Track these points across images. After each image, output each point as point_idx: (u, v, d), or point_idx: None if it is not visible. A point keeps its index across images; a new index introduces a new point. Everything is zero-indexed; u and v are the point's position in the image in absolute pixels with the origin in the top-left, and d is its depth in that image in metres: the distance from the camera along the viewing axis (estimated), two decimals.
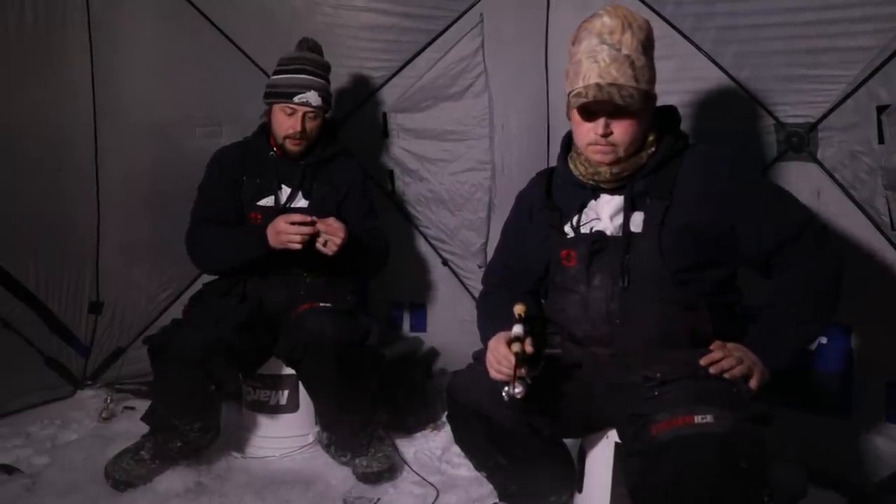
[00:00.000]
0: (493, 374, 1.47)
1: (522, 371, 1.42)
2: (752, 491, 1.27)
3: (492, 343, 1.51)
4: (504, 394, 1.41)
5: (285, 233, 2.05)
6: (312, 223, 2.05)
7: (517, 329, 1.44)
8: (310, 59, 2.29)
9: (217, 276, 2.30)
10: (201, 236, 2.25)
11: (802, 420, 1.96)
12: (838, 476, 1.90)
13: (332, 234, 2.05)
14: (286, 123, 2.22)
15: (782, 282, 1.53)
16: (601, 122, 1.51)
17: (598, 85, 1.47)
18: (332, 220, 2.08)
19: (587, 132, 1.55)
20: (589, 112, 1.53)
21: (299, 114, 2.21)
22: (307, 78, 2.23)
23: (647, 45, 1.53)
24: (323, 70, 2.30)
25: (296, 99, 2.20)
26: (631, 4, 2.05)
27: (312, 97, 2.21)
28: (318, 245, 2.07)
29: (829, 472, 1.89)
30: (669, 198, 1.54)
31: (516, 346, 1.39)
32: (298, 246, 2.04)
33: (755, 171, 1.83)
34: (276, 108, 2.24)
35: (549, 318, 1.68)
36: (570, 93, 1.54)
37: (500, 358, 1.46)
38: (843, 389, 1.97)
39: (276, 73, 2.28)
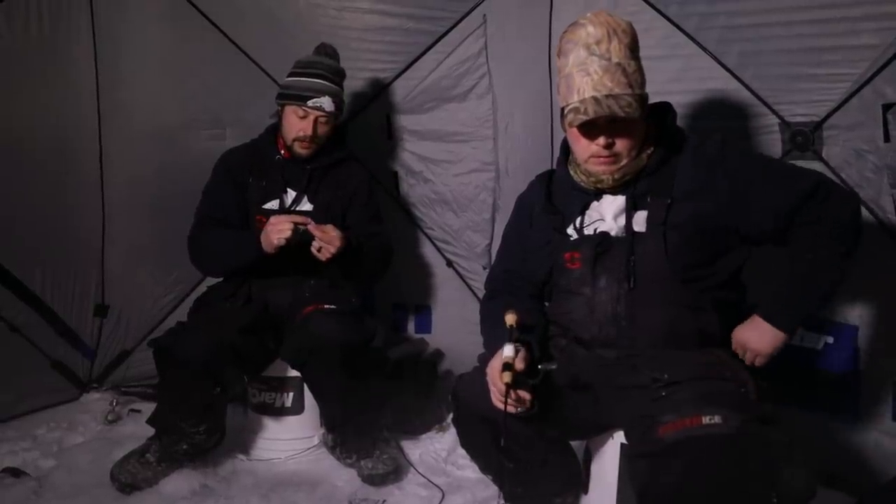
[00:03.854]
0: (496, 402, 1.46)
1: (515, 395, 1.41)
2: (760, 492, 1.27)
3: (489, 370, 1.49)
4: (504, 421, 1.41)
5: (274, 227, 2.02)
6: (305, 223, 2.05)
7: (507, 351, 1.43)
8: (326, 64, 2.28)
9: (221, 279, 2.30)
10: (202, 237, 2.24)
11: (810, 420, 1.96)
12: (847, 476, 1.89)
13: (327, 242, 2.04)
14: (297, 126, 2.22)
15: (800, 237, 1.50)
16: (602, 135, 1.49)
17: (595, 99, 1.44)
18: (329, 228, 2.07)
19: (587, 146, 1.53)
20: (589, 126, 1.50)
21: (311, 117, 2.21)
22: (322, 83, 2.23)
23: (634, 48, 1.51)
24: (338, 77, 2.30)
25: (309, 103, 2.20)
26: (635, 5, 2.06)
27: (326, 102, 2.21)
28: (313, 250, 2.06)
29: (838, 472, 1.88)
30: (671, 195, 1.53)
31: (506, 377, 1.38)
32: (284, 240, 2.00)
33: (748, 149, 1.79)
34: (289, 109, 2.24)
35: (553, 321, 1.67)
36: (564, 108, 1.51)
37: (498, 388, 1.44)
38: (851, 389, 1.96)
39: (291, 74, 2.28)
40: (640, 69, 1.50)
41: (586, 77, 1.45)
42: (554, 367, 1.50)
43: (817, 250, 1.47)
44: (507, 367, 1.39)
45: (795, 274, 1.49)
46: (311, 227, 2.05)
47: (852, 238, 1.48)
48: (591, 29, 1.46)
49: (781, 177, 1.51)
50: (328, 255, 2.05)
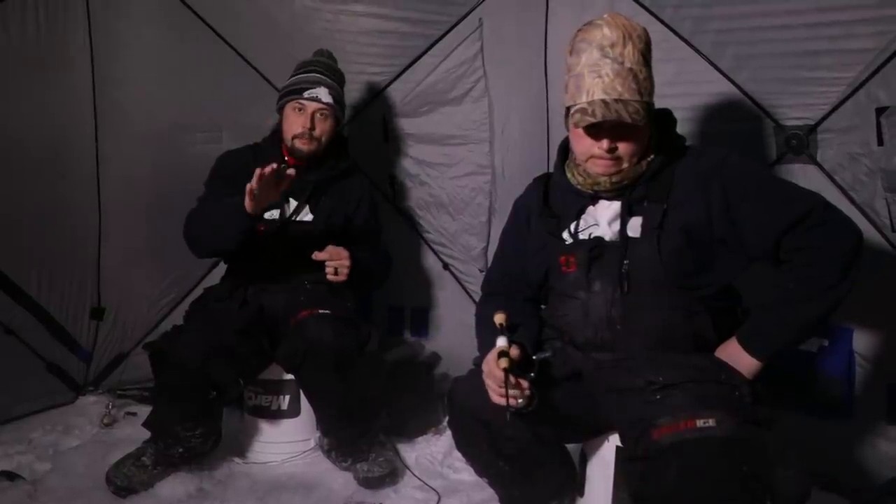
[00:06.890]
0: (494, 398, 1.46)
1: (515, 381, 1.40)
2: (754, 494, 1.27)
3: (484, 366, 1.49)
4: (507, 415, 1.41)
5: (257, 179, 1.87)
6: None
7: (501, 342, 1.43)
8: (323, 62, 2.30)
9: (218, 282, 2.29)
10: (192, 216, 2.15)
11: (805, 423, 1.96)
12: (841, 479, 1.89)
13: (340, 260, 2.08)
14: (297, 122, 2.21)
15: (786, 263, 1.46)
16: (606, 138, 1.48)
17: (604, 102, 1.43)
18: (333, 248, 2.10)
19: (589, 146, 1.52)
20: (594, 128, 1.49)
21: (309, 110, 2.20)
22: (318, 76, 2.24)
23: (647, 55, 1.50)
24: (335, 75, 2.30)
25: (305, 94, 2.19)
26: (629, 8, 2.07)
27: (322, 93, 2.20)
28: (329, 275, 2.09)
29: (832, 474, 1.88)
30: (666, 201, 1.52)
31: (503, 362, 1.38)
32: (271, 169, 1.85)
33: (752, 162, 1.72)
34: (288, 107, 2.23)
35: (548, 323, 1.67)
36: (571, 107, 1.50)
37: (496, 379, 1.43)
38: (846, 392, 1.97)
39: (289, 78, 2.29)
40: (650, 77, 1.49)
41: (597, 79, 1.45)
42: (548, 354, 1.50)
43: (800, 280, 1.41)
44: (503, 354, 1.39)
45: (775, 302, 1.45)
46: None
47: (841, 270, 1.39)
48: (606, 31, 1.45)
49: (776, 198, 1.47)
50: (346, 273, 2.09)
